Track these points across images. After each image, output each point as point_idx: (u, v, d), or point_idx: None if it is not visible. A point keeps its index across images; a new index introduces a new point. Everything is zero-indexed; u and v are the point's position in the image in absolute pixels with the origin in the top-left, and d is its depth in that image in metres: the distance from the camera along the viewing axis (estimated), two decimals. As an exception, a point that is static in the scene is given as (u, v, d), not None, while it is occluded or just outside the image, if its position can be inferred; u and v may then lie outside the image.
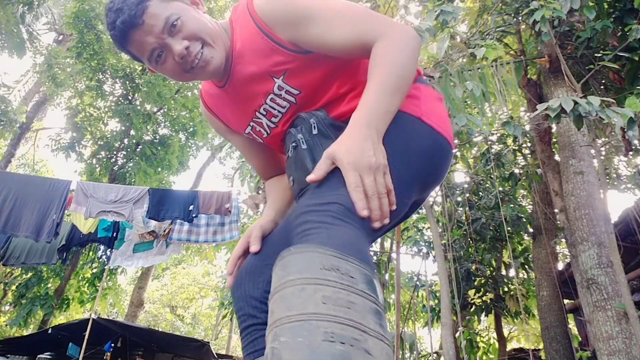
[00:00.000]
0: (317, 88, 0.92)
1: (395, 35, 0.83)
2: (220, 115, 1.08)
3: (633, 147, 3.55)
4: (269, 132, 1.01)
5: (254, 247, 0.93)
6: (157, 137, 10.79)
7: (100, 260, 9.06)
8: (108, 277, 9.59)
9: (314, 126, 0.92)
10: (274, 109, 0.97)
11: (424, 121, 0.85)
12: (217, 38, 0.92)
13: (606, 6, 4.16)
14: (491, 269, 7.46)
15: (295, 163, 0.93)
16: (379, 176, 0.71)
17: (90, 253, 8.60)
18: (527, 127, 5.47)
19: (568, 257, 6.06)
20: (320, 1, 0.88)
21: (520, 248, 7.50)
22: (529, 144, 6.39)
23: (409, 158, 0.80)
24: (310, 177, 0.74)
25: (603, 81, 4.85)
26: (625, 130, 2.70)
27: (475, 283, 7.24)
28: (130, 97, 10.47)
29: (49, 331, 6.62)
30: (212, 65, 0.91)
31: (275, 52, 0.90)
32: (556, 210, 4.62)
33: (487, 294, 7.34)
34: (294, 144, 0.93)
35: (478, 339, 8.18)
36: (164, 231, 5.69)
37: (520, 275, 7.67)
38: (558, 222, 4.67)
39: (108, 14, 0.89)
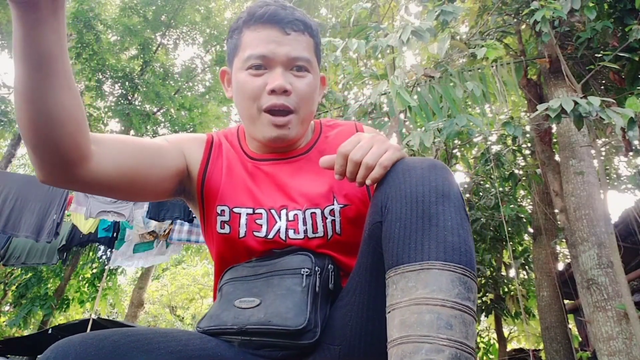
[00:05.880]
0: (353, 245, 0.81)
1: None
2: (213, 172, 0.87)
3: (633, 148, 3.55)
4: (268, 235, 0.82)
5: None
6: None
7: (101, 260, 9.07)
8: (108, 278, 9.59)
9: (331, 279, 0.79)
10: (304, 225, 0.82)
11: None
12: (308, 120, 0.86)
13: (606, 6, 4.16)
14: (491, 269, 7.45)
15: (287, 289, 0.75)
16: None
17: (91, 253, 8.60)
18: (527, 128, 5.46)
19: (568, 257, 6.05)
20: None
21: (520, 248, 7.50)
22: (529, 144, 6.39)
23: None
24: None
25: (603, 81, 4.85)
26: (626, 130, 2.70)
27: (475, 283, 7.23)
28: (130, 97, 10.47)
29: (49, 331, 6.62)
30: (284, 132, 0.81)
31: None
32: (556, 211, 4.62)
33: (487, 294, 7.34)
34: (306, 272, 0.76)
35: (478, 339, 8.18)
36: (164, 231, 5.69)
37: (521, 275, 7.66)
38: (558, 223, 4.67)
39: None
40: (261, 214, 0.83)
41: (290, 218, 0.82)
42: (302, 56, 0.81)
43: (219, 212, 0.84)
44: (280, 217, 0.83)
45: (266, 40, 0.80)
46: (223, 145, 0.92)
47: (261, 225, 0.82)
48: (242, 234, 0.83)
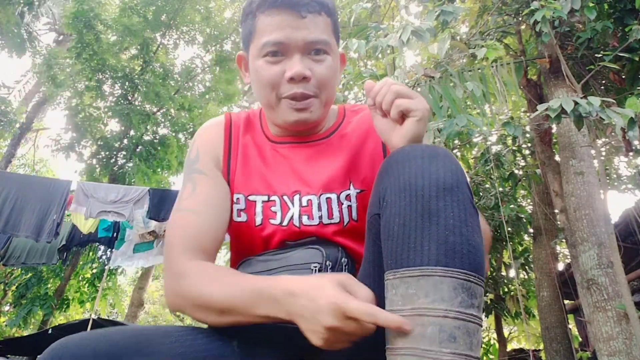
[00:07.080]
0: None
1: None
2: (234, 160, 0.88)
3: (633, 148, 3.55)
4: (282, 222, 0.81)
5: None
6: (157, 137, 10.78)
7: (101, 260, 9.06)
8: (108, 278, 9.58)
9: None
10: (320, 210, 0.80)
11: None
12: (330, 102, 0.85)
13: (606, 6, 4.16)
14: (491, 269, 7.45)
15: None
16: None
17: (91, 253, 8.60)
18: (527, 128, 5.46)
19: (568, 257, 6.05)
20: None
21: (520, 248, 7.49)
22: (529, 144, 6.39)
23: None
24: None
25: (603, 82, 4.85)
26: (626, 130, 2.70)
27: (476, 283, 7.22)
28: (129, 97, 10.46)
29: (49, 331, 6.61)
30: (305, 115, 0.80)
31: (379, 164, 0.81)
32: (556, 211, 4.62)
33: (487, 294, 7.34)
34: (316, 267, 0.74)
35: (478, 339, 8.16)
36: (165, 231, 5.68)
37: (521, 275, 7.66)
38: (558, 223, 4.67)
39: None
40: (275, 201, 0.83)
41: (304, 204, 0.81)
42: (320, 39, 0.79)
43: (235, 200, 0.84)
44: (293, 203, 0.82)
45: (281, 25, 0.77)
46: (240, 129, 0.91)
47: (275, 212, 0.82)
48: (258, 221, 0.83)
